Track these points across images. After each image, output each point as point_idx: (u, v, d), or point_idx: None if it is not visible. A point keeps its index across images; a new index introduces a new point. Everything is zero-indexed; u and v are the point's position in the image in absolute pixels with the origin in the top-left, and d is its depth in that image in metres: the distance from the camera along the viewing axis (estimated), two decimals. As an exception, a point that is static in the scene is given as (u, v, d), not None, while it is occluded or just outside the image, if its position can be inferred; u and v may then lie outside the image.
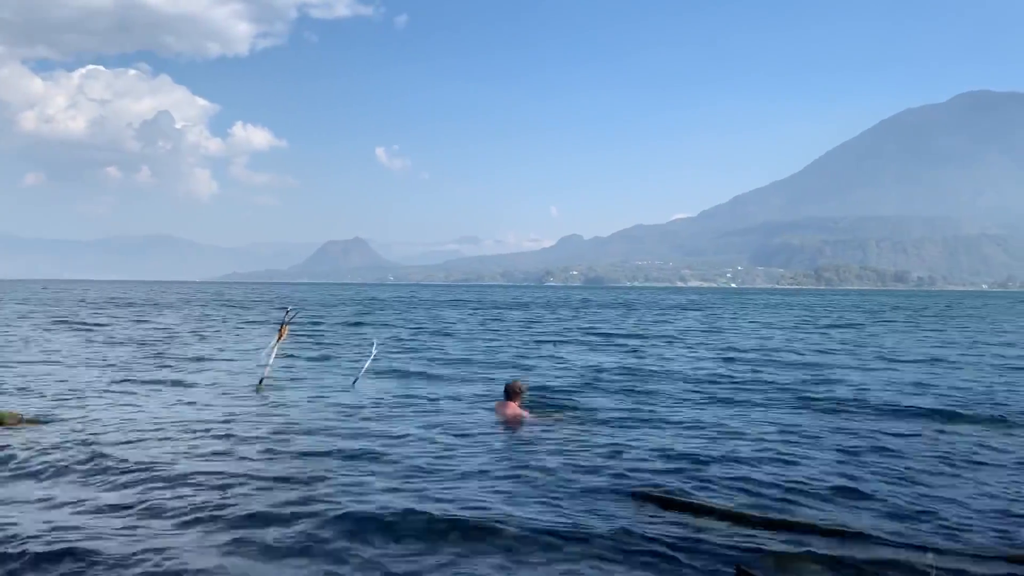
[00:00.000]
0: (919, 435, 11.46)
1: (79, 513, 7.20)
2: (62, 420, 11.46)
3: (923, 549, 6.43)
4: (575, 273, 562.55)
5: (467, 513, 7.18)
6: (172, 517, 7.05)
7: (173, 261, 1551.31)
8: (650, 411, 13.14)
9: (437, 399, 14.18)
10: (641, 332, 35.80)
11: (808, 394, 15.37)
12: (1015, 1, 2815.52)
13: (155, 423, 11.37)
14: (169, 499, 7.57)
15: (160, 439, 10.29)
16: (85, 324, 35.95)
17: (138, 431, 10.74)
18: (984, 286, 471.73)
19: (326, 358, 21.62)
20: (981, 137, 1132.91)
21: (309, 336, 29.29)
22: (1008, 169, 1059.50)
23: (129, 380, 16.23)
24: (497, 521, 6.95)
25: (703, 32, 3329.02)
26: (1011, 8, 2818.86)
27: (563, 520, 7.07)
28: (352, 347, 25.05)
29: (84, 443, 9.81)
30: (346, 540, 6.55)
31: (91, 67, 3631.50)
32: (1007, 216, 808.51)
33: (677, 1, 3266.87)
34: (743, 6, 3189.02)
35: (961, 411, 13.43)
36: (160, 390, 14.98)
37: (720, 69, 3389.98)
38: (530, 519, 7.05)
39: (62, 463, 8.85)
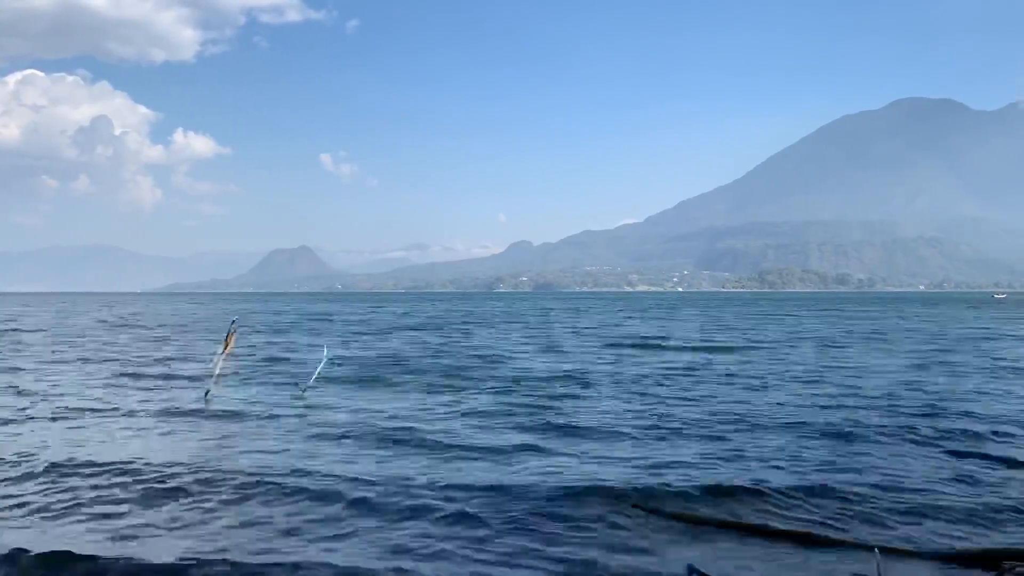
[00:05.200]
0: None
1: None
2: None
3: (869, 548, 6.55)
4: (525, 279, 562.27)
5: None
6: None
7: (115, 272, 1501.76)
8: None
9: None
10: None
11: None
12: (947, 11, 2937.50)
13: None
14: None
15: None
16: None
17: None
18: (921, 287, 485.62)
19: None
20: (915, 143, 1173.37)
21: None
22: (941, 173, 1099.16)
23: None
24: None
25: (646, 39, 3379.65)
26: (943, 17, 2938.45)
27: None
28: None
29: None
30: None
31: (28, 72, 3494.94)
32: (941, 219, 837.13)
33: (620, 10, 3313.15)
34: (684, 14, 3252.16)
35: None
36: None
37: (664, 76, 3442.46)
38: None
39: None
